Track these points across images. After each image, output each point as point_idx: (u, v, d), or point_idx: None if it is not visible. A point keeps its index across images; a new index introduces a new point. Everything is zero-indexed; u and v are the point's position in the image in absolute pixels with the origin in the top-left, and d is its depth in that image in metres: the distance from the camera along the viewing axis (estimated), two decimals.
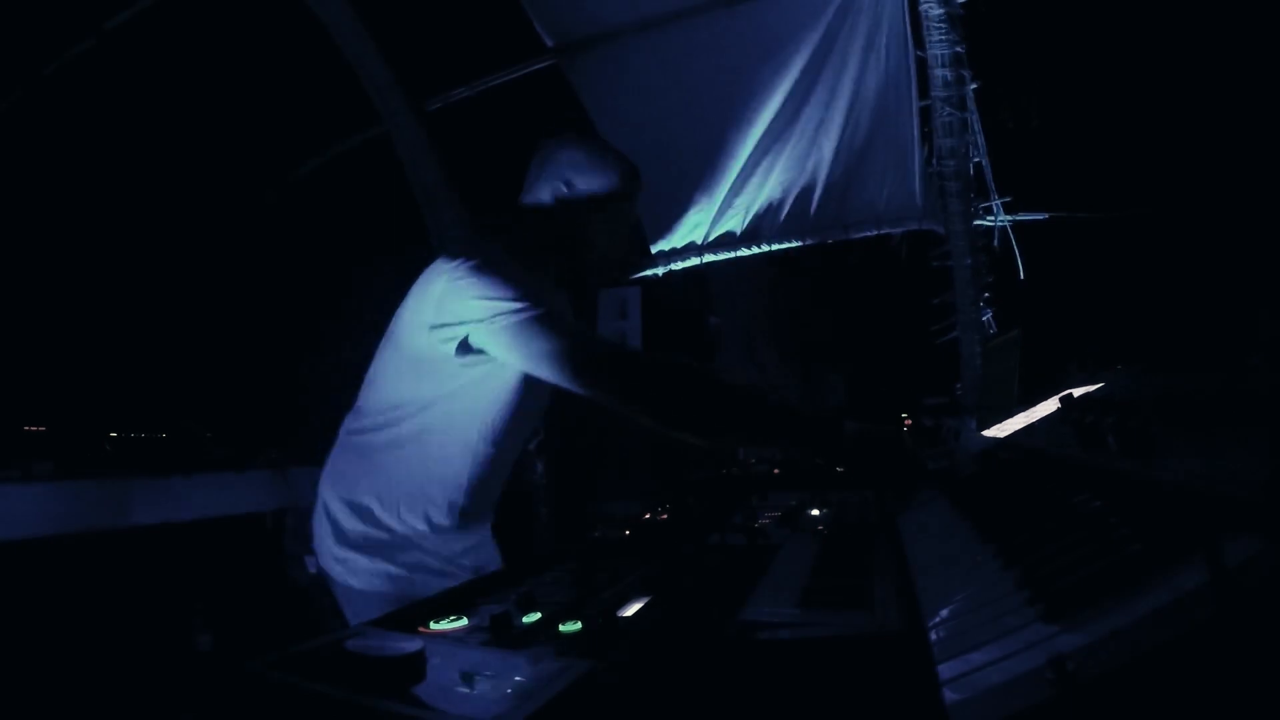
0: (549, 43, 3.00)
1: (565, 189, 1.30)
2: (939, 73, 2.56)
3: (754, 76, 2.85)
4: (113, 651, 2.11)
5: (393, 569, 1.26)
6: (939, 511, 1.20)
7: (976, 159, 2.66)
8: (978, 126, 2.61)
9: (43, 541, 2.08)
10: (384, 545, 1.27)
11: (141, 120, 3.04)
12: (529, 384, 1.27)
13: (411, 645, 0.60)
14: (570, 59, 3.03)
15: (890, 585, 0.82)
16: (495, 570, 1.27)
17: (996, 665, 0.55)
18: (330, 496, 1.31)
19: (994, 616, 0.64)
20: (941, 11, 2.47)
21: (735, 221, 3.14)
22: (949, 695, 0.53)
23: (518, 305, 1.12)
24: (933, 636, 0.65)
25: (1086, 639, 0.53)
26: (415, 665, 0.59)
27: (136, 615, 2.22)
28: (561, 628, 0.74)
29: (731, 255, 3.19)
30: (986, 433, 1.81)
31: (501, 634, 0.73)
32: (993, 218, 2.73)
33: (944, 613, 0.72)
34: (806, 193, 2.99)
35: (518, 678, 0.59)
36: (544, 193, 1.31)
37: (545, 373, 1.14)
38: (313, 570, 1.36)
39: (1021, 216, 2.74)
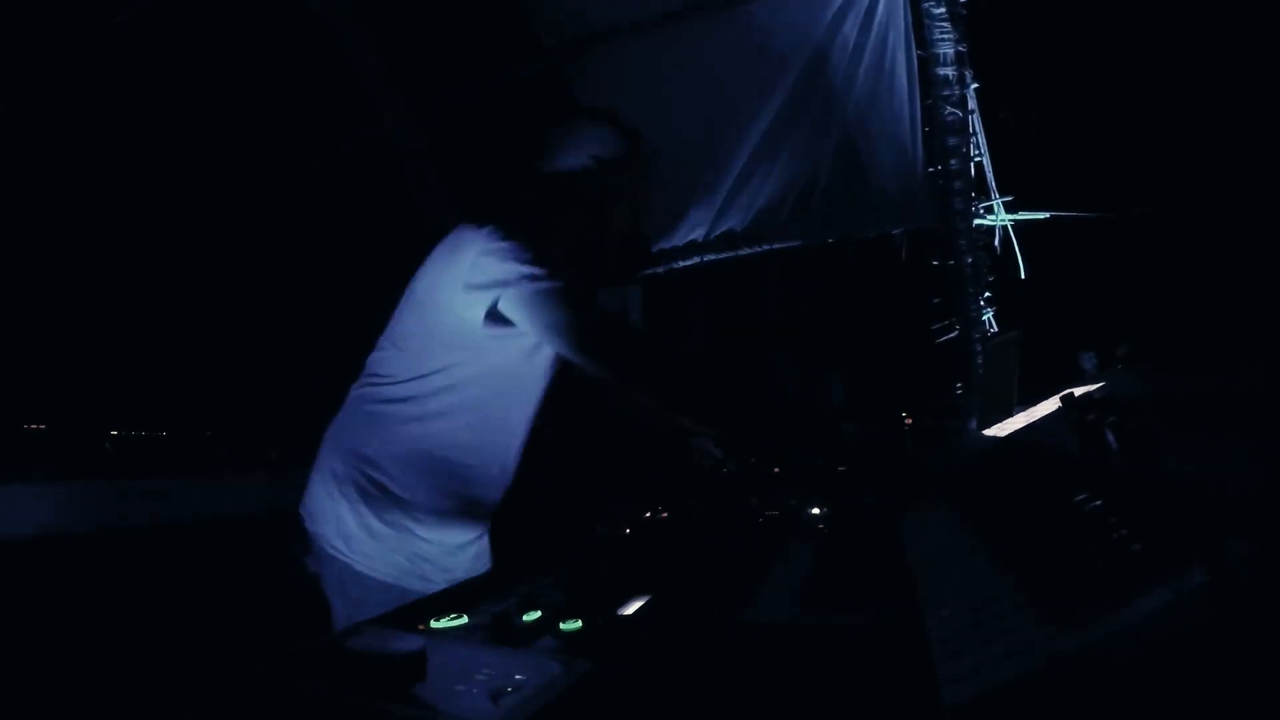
0: (548, 43, 3.00)
1: (592, 162, 1.35)
2: (940, 71, 2.56)
3: (755, 75, 2.84)
4: (113, 652, 2.11)
5: (399, 557, 1.27)
6: (939, 511, 1.20)
7: (977, 158, 2.66)
8: (979, 126, 2.61)
9: (43, 541, 2.08)
10: (393, 519, 1.27)
11: (142, 119, 3.04)
12: (548, 366, 1.31)
13: (413, 644, 0.60)
14: (569, 59, 3.03)
15: (890, 585, 0.82)
16: (490, 564, 1.28)
17: (996, 665, 0.55)
18: (339, 463, 1.31)
19: (994, 616, 0.64)
20: (944, 10, 2.47)
21: (736, 221, 3.13)
22: (949, 695, 0.53)
23: (541, 272, 1.15)
24: (932, 636, 0.65)
25: (1086, 639, 0.53)
26: (417, 664, 0.59)
27: (137, 616, 2.22)
28: (562, 626, 0.74)
29: (732, 255, 3.19)
30: (987, 433, 1.81)
31: (502, 632, 0.73)
32: (993, 217, 2.73)
33: (944, 613, 0.71)
34: (807, 192, 2.99)
35: (519, 676, 0.59)
36: (572, 160, 1.36)
37: (559, 344, 1.18)
38: (313, 570, 1.36)
39: (1022, 216, 2.74)
